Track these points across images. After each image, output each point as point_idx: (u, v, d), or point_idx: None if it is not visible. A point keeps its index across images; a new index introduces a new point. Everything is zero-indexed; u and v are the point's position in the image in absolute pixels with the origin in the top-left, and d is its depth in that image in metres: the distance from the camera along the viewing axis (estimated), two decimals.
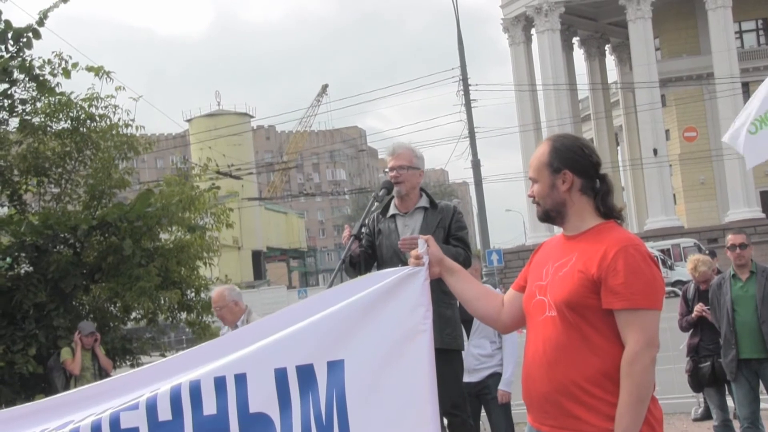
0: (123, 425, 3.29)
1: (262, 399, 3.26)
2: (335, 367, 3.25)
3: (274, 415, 3.26)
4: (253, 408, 3.26)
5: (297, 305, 3.48)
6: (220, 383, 3.28)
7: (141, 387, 3.40)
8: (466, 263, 5.38)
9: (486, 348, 7.18)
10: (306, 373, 3.26)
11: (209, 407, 3.28)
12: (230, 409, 3.26)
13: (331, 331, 3.29)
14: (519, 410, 9.32)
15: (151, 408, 3.29)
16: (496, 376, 7.18)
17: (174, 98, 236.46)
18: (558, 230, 3.44)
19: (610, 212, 3.24)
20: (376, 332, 3.27)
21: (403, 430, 3.18)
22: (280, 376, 3.26)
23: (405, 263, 3.54)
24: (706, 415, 9.33)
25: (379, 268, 5.51)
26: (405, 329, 3.27)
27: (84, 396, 3.56)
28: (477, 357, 7.15)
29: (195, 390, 3.29)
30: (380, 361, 3.24)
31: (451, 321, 5.47)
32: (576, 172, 3.24)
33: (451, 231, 5.57)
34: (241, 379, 3.27)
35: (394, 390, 3.20)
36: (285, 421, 3.24)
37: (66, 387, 9.76)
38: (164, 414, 3.28)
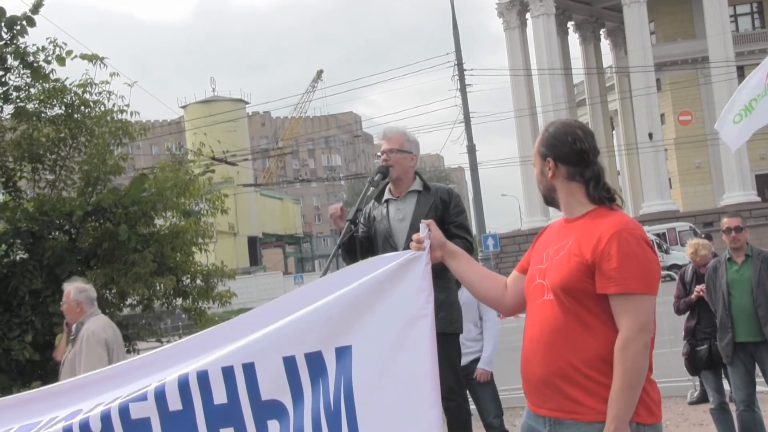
0: (134, 416, 3.29)
1: (274, 387, 3.25)
2: (343, 354, 3.24)
3: (287, 402, 3.25)
4: (265, 396, 3.26)
5: (298, 291, 3.47)
6: (228, 373, 3.26)
7: (146, 375, 3.39)
8: (468, 252, 5.38)
9: (471, 332, 7.10)
10: (316, 361, 3.25)
11: (219, 396, 3.27)
12: (241, 398, 3.26)
13: (336, 317, 3.28)
14: (509, 395, 9.38)
15: (160, 398, 3.28)
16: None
17: (163, 84, 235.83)
18: (554, 216, 3.43)
19: (600, 199, 3.22)
20: (381, 317, 3.26)
21: (407, 415, 3.17)
22: (290, 364, 3.25)
23: (396, 250, 3.51)
24: (703, 398, 9.36)
25: (374, 254, 5.49)
26: (408, 314, 3.26)
27: (89, 381, 3.56)
28: (462, 342, 7.11)
29: (203, 379, 3.27)
30: (387, 347, 3.23)
31: (445, 304, 5.44)
32: (559, 160, 3.25)
33: (451, 217, 5.52)
34: (249, 369, 3.26)
35: (398, 375, 3.19)
36: (298, 407, 3.24)
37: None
38: (174, 404, 3.27)
